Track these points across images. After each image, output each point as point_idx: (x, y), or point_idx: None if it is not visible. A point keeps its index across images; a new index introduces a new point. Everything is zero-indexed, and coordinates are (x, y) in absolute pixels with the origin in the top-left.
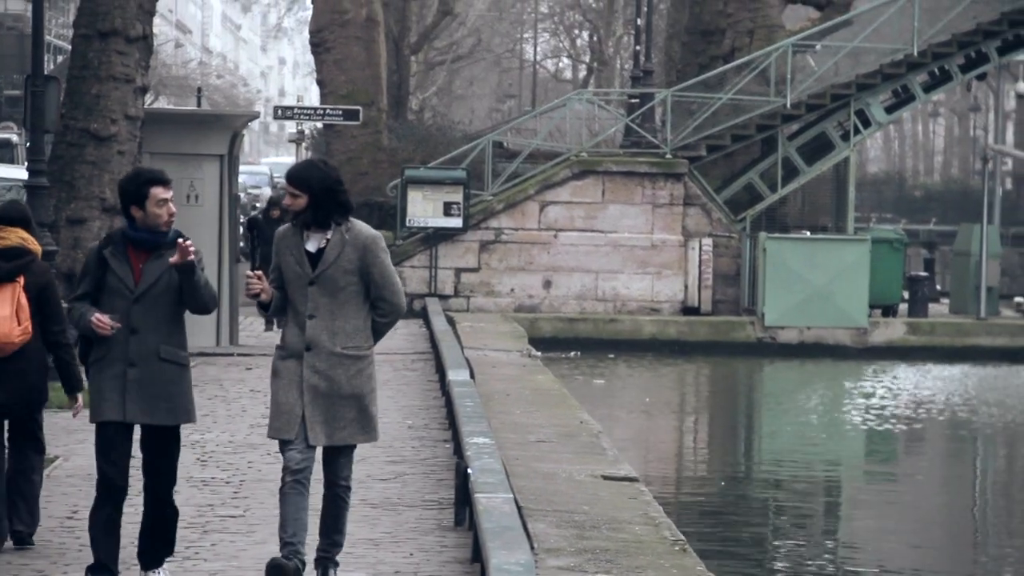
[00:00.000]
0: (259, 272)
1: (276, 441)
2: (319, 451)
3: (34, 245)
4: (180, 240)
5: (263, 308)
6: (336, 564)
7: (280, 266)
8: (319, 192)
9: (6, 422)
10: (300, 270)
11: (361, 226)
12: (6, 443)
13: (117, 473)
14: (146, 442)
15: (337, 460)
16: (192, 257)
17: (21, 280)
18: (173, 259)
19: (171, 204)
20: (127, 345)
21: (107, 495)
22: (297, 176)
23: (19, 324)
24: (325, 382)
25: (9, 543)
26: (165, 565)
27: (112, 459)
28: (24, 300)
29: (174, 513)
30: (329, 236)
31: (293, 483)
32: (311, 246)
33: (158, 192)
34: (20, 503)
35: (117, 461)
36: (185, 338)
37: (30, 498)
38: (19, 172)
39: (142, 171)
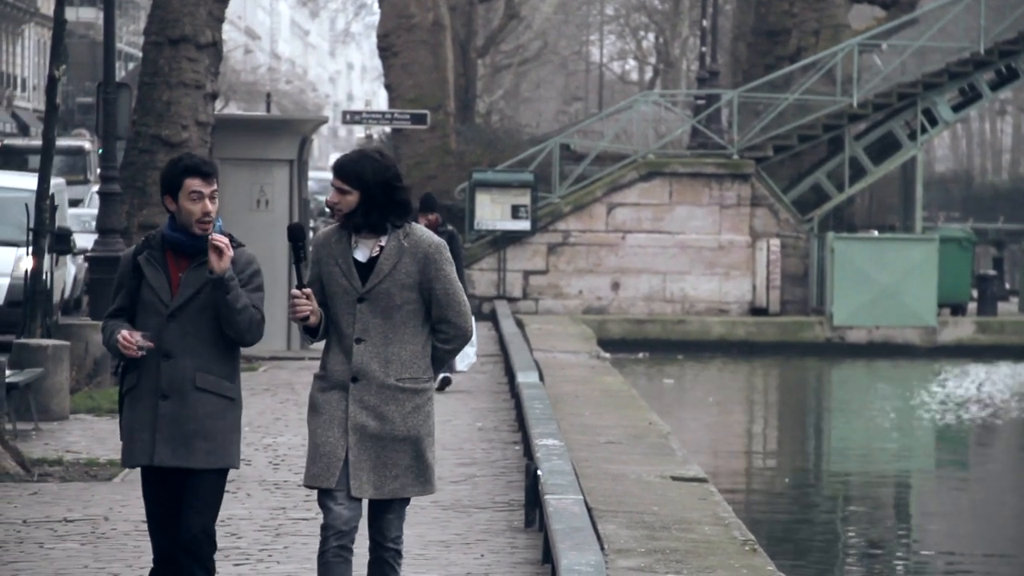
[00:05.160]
0: (308, 290)
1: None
2: (364, 503)
3: None
4: (212, 235)
5: (310, 333)
6: None
7: (322, 278)
8: (374, 188)
9: None
10: (347, 283)
11: (422, 231)
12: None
13: (166, 536)
14: (185, 492)
15: (385, 516)
16: (221, 264)
17: None
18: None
19: (208, 202)
20: (159, 372)
21: (161, 564)
22: (347, 168)
23: None
24: (375, 420)
25: None
26: None
27: (158, 519)
28: None
29: None
30: (383, 243)
31: (338, 550)
32: (360, 254)
33: (193, 183)
34: None
35: (164, 521)
36: (236, 366)
37: None
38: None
39: (183, 157)
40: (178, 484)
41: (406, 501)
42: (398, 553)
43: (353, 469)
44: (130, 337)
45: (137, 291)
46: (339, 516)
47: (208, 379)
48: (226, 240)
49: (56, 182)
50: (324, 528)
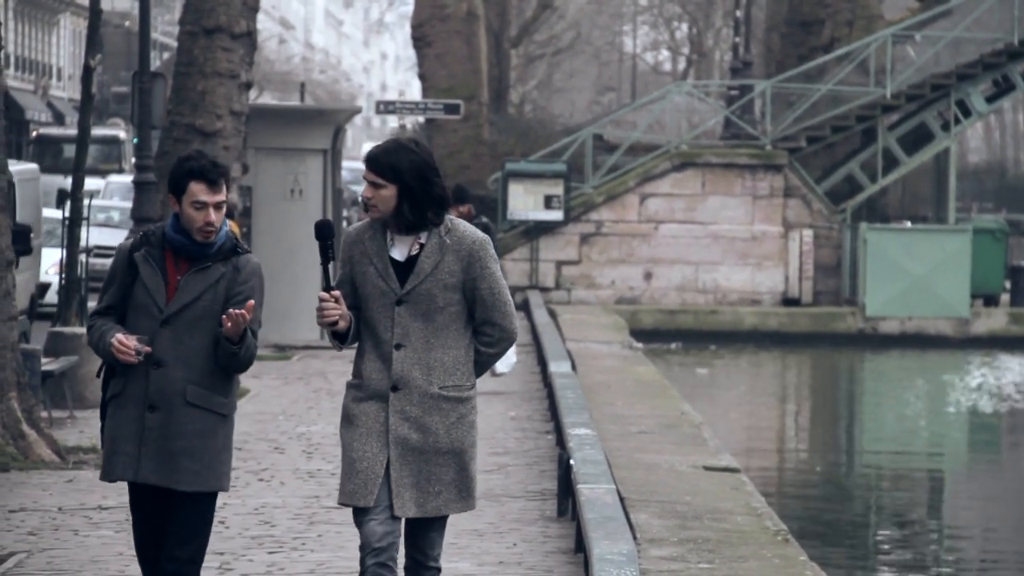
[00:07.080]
0: (336, 293)
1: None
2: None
3: None
4: (232, 311)
5: (339, 338)
6: None
7: (354, 278)
8: (411, 181)
9: None
10: (384, 285)
11: (464, 227)
12: None
13: (149, 562)
14: (171, 516)
15: (426, 534)
16: (238, 334)
17: None
18: (225, 327)
19: (212, 212)
20: (147, 381)
21: None
22: (381, 160)
23: None
24: (418, 433)
25: None
26: None
27: (145, 540)
28: None
29: None
30: (423, 240)
31: (377, 567)
32: (398, 253)
33: (197, 190)
34: None
35: (150, 542)
36: (230, 379)
37: None
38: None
39: (192, 157)
40: (162, 503)
41: (447, 517)
42: (438, 571)
43: (395, 486)
44: (127, 342)
45: (130, 289)
46: (375, 533)
47: (200, 393)
48: (244, 315)
49: (23, 168)
50: (362, 548)
